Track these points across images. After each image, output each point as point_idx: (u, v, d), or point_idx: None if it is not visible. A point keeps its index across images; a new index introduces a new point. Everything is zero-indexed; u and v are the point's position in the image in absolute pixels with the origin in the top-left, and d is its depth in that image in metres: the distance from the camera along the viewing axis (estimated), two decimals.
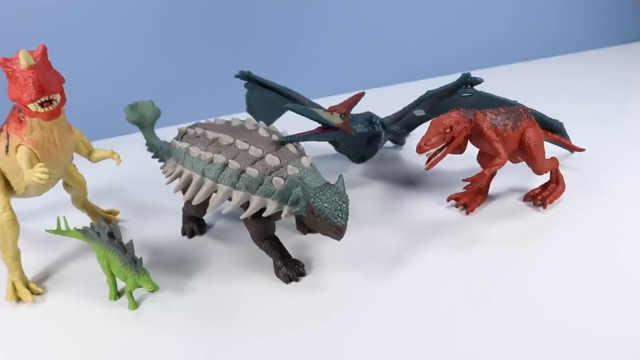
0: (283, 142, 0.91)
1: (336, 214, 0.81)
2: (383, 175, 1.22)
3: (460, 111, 0.92)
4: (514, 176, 1.12)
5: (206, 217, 1.12)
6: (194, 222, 1.08)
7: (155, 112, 1.14)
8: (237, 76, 1.21)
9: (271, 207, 0.86)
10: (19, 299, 0.97)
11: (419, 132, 1.25)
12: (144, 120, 1.13)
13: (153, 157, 1.11)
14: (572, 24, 2.08)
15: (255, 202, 0.87)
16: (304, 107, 0.94)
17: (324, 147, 1.33)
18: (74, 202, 1.15)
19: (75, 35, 1.64)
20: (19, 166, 0.92)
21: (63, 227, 1.06)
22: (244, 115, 1.62)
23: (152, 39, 1.72)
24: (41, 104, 0.79)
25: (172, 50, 1.75)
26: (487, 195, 1.04)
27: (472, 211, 1.01)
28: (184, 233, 1.08)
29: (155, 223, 1.15)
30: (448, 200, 1.04)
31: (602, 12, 2.11)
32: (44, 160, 0.89)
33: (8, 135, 0.91)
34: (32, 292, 0.97)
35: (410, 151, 1.32)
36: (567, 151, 1.18)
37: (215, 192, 0.92)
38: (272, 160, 0.87)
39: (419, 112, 1.11)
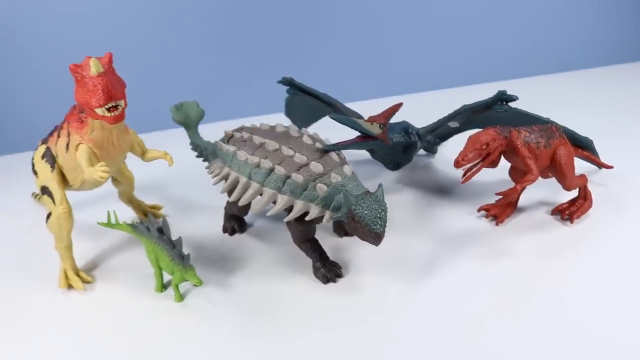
0: (326, 150, 0.96)
1: (376, 221, 0.86)
2: (416, 182, 1.27)
3: (497, 128, 0.96)
4: (543, 190, 1.15)
5: (246, 217, 1.17)
6: (236, 221, 1.13)
7: (199, 113, 1.20)
8: (280, 82, 1.26)
9: (314, 212, 0.92)
10: (70, 287, 1.04)
11: (450, 142, 1.30)
12: (189, 121, 1.18)
13: (197, 156, 1.17)
14: (603, 37, 2.10)
15: (299, 206, 0.92)
16: (347, 118, 0.99)
17: (360, 153, 1.38)
18: (120, 197, 1.22)
19: (123, 37, 1.71)
20: (77, 163, 0.98)
21: (113, 221, 1.12)
22: (279, 117, 1.67)
23: (197, 40, 1.80)
24: (108, 109, 0.86)
25: (215, 52, 1.83)
26: (516, 207, 1.08)
27: (501, 222, 1.05)
28: (225, 230, 1.14)
29: (196, 219, 1.21)
30: (478, 210, 1.09)
31: (634, 26, 2.12)
32: (103, 159, 0.95)
33: (69, 134, 0.97)
34: (83, 281, 1.04)
35: (441, 160, 1.36)
36: (595, 167, 1.21)
37: (261, 195, 0.98)
38: (316, 167, 0.92)
39: (453, 124, 1.15)
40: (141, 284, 1.02)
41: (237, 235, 1.13)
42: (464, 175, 0.95)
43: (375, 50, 1.92)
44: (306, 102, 1.26)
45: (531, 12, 1.98)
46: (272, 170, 0.95)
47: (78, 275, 1.04)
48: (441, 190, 1.22)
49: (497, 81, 1.97)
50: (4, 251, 1.21)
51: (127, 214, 1.24)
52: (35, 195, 1.38)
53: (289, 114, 1.34)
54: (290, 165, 0.94)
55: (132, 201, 1.22)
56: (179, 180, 1.43)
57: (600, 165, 1.18)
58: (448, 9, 1.91)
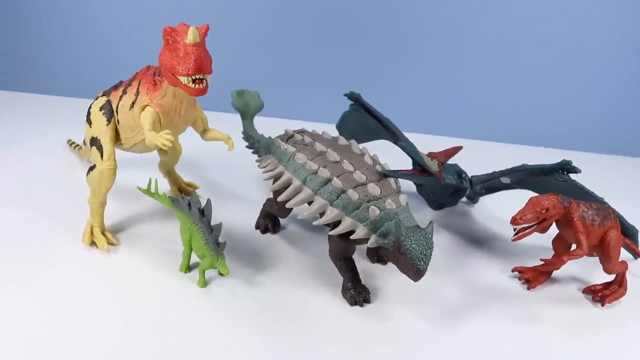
0: (386, 174, 0.96)
1: (421, 257, 0.85)
2: (453, 227, 1.26)
3: (559, 196, 0.95)
4: (578, 266, 1.14)
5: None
6: (271, 220, 1.12)
7: (259, 105, 1.18)
8: (346, 95, 1.25)
9: (360, 232, 0.90)
10: (93, 244, 1.02)
11: (492, 195, 1.29)
12: (247, 109, 1.17)
13: (247, 147, 1.15)
14: None
15: (347, 223, 0.91)
16: (414, 150, 0.98)
17: (407, 183, 1.37)
18: (160, 166, 1.20)
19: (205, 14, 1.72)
20: (137, 124, 0.97)
21: (153, 189, 1.10)
22: (326, 127, 1.66)
23: (272, 35, 1.83)
24: (193, 80, 0.84)
25: (285, 51, 1.85)
26: (549, 276, 1.07)
27: (533, 288, 1.04)
28: (257, 227, 1.13)
29: (231, 208, 1.19)
30: (513, 271, 1.07)
31: None
32: (165, 126, 0.94)
33: (138, 93, 0.96)
34: (107, 242, 1.02)
35: (480, 210, 1.35)
36: (631, 256, 1.21)
37: (311, 202, 0.96)
38: (373, 189, 0.91)
39: (505, 180, 1.14)
40: (165, 260, 1.01)
41: (268, 235, 1.12)
42: (516, 234, 0.95)
43: (446, 88, 1.92)
44: (365, 121, 1.26)
45: (604, 90, 1.99)
46: (329, 180, 0.94)
47: (104, 235, 1.03)
48: (476, 240, 1.21)
49: (556, 148, 1.97)
50: (33, 191, 1.20)
51: (161, 185, 1.22)
52: (70, 143, 1.36)
53: (340, 127, 1.33)
54: (348, 180, 0.93)
55: (170, 174, 1.20)
56: (221, 165, 1.41)
57: (639, 255, 1.17)
58: (534, 65, 1.92)
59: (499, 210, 1.35)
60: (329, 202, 0.93)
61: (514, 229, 0.95)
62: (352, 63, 1.87)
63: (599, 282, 1.08)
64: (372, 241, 0.90)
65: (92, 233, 1.02)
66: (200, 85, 0.85)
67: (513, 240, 0.94)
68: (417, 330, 0.90)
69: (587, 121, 1.99)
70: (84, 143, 1.21)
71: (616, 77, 1.92)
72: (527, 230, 0.94)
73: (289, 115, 1.76)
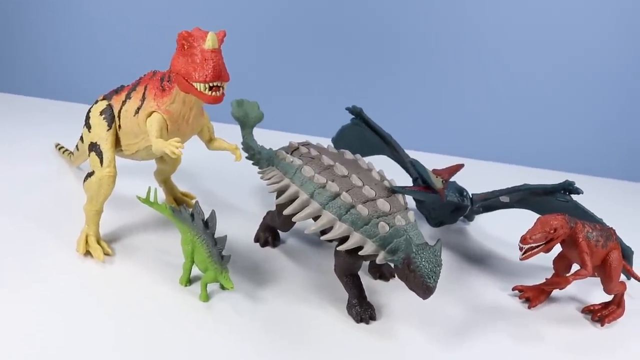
0: (395, 190, 0.95)
1: (431, 274, 0.84)
2: (450, 244, 1.25)
3: (565, 217, 0.96)
4: (576, 286, 1.15)
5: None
6: (270, 233, 1.10)
7: (259, 115, 1.17)
8: (348, 109, 1.24)
9: (369, 248, 0.89)
10: (87, 253, 0.98)
11: (487, 214, 1.29)
12: (246, 119, 1.15)
13: (247, 158, 1.13)
14: None
15: (355, 238, 0.89)
16: (423, 166, 0.98)
17: (407, 199, 1.36)
18: (156, 174, 1.17)
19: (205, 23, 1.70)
20: (142, 130, 0.94)
21: (152, 199, 1.07)
22: (321, 140, 1.66)
23: (274, 46, 1.81)
24: (210, 87, 0.82)
25: (285, 62, 1.83)
26: (549, 296, 1.08)
27: (534, 307, 1.04)
28: (257, 240, 1.10)
29: (228, 221, 1.16)
30: (513, 289, 1.07)
31: None
32: (172, 134, 0.91)
33: (144, 98, 0.93)
34: (103, 251, 0.99)
35: (476, 229, 1.35)
36: (625, 277, 1.22)
37: (317, 217, 0.95)
38: (383, 205, 0.90)
39: (505, 199, 1.14)
40: (163, 272, 0.98)
41: (267, 248, 1.10)
42: (524, 252, 0.95)
43: (446, 106, 1.93)
44: (364, 136, 1.25)
45: (610, 118, 2.03)
46: (337, 195, 0.92)
47: (99, 244, 0.99)
48: (474, 258, 1.21)
49: (548, 169, 1.99)
50: (22, 196, 1.15)
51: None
52: (59, 148, 1.32)
53: (337, 140, 1.32)
54: (357, 195, 0.92)
55: (166, 182, 1.17)
56: (217, 175, 1.39)
57: (633, 276, 1.19)
58: (535, 86, 1.94)
59: (494, 229, 1.35)
60: (338, 217, 0.91)
61: (521, 248, 0.95)
62: (349, 77, 1.87)
63: (596, 302, 1.09)
64: (381, 257, 0.88)
65: (87, 242, 0.98)
66: (217, 93, 0.82)
67: (521, 259, 0.94)
68: (422, 349, 0.89)
69: (581, 144, 2.02)
70: (77, 148, 1.17)
71: (617, 103, 1.97)
72: (535, 250, 0.94)
73: (282, 127, 1.74)
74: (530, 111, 1.99)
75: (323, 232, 0.98)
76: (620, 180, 2.03)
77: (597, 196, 1.79)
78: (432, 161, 1.48)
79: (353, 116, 1.26)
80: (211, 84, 0.81)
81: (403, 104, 1.92)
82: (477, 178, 1.36)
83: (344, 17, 1.82)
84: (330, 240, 1.06)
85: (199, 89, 0.82)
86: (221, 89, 0.83)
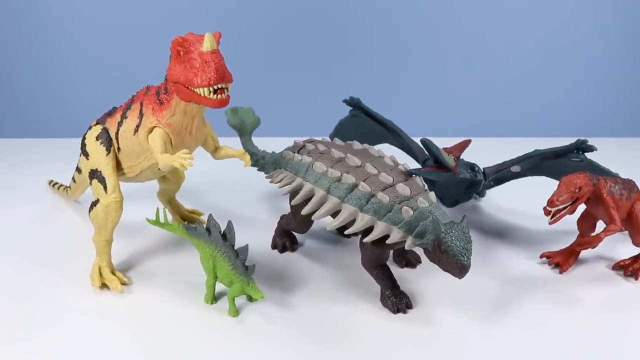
0: (412, 173, 0.92)
1: (464, 252, 0.81)
2: (469, 222, 1.23)
3: (587, 174, 0.95)
4: (600, 245, 1.13)
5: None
6: (288, 238, 1.07)
7: (255, 120, 1.14)
8: (345, 101, 1.22)
9: (396, 236, 0.86)
10: (103, 286, 0.94)
11: (498, 187, 1.28)
12: (243, 126, 1.13)
13: (252, 165, 1.09)
14: None
15: (380, 227, 0.87)
16: (435, 145, 0.95)
17: None
18: (160, 195, 1.13)
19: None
20: (142, 148, 0.90)
21: (162, 220, 1.03)
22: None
23: (256, 53, 1.77)
24: (214, 91, 0.78)
25: (269, 68, 1.80)
26: (578, 257, 1.06)
27: (565, 271, 1.02)
28: (274, 246, 1.07)
29: (241, 232, 1.10)
30: (541, 257, 1.06)
31: None
32: (177, 147, 0.87)
33: (142, 115, 0.89)
34: (120, 281, 0.94)
35: (488, 204, 1.34)
36: None
37: (337, 212, 0.92)
38: (403, 189, 0.87)
39: (515, 169, 1.13)
40: (186, 293, 0.93)
41: (287, 253, 1.06)
42: (552, 216, 0.93)
43: (442, 87, 1.94)
44: (365, 126, 1.22)
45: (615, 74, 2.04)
46: (355, 186, 0.89)
47: (114, 275, 0.95)
48: (493, 233, 1.19)
49: (551, 137, 1.98)
50: (20, 240, 1.10)
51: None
52: (53, 184, 1.27)
53: (335, 136, 1.29)
54: (375, 183, 0.89)
55: (171, 202, 1.13)
56: (221, 188, 1.36)
57: None
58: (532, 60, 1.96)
59: (507, 201, 1.34)
60: (359, 208, 0.88)
61: (548, 212, 0.93)
62: (337, 75, 1.86)
63: (625, 257, 1.08)
64: (409, 243, 0.85)
65: (101, 274, 0.94)
66: (222, 95, 0.78)
67: (551, 223, 0.92)
68: (466, 329, 0.86)
69: (575, 107, 2.04)
70: (73, 181, 1.13)
71: (602, 64, 1.99)
72: (563, 212, 0.92)
73: (275, 133, 1.70)
74: (520, 82, 1.99)
75: (343, 228, 0.95)
76: (616, 138, 2.06)
77: (599, 155, 1.82)
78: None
79: (351, 108, 1.24)
80: (215, 87, 0.77)
81: (395, 94, 1.91)
82: (480, 155, 1.34)
83: (326, 17, 1.81)
84: (349, 236, 1.03)
85: (202, 94, 0.78)
86: (226, 90, 0.79)
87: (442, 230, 0.82)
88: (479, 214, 1.28)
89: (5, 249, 1.07)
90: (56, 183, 1.26)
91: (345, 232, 0.90)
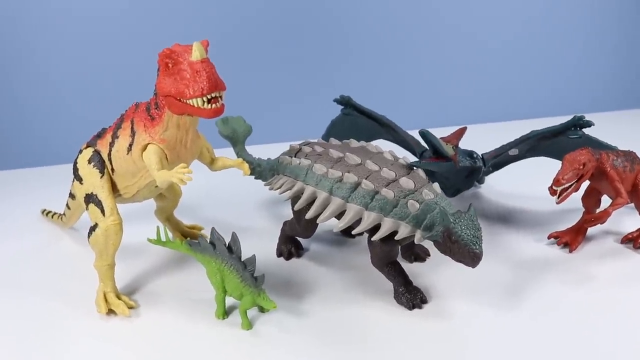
0: (414, 166, 0.91)
1: (474, 240, 0.80)
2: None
3: (589, 150, 0.94)
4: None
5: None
6: (292, 244, 1.05)
7: (247, 129, 1.12)
8: (335, 100, 1.21)
9: (404, 231, 0.84)
10: (110, 312, 0.91)
11: (497, 172, 1.28)
12: (236, 136, 1.11)
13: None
14: None
15: (388, 224, 0.85)
16: (433, 135, 0.94)
17: None
18: (158, 214, 1.11)
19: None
20: (137, 167, 0.88)
21: (163, 238, 1.00)
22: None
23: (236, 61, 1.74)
24: (208, 100, 0.76)
25: (253, 76, 1.78)
26: (585, 234, 1.05)
27: (574, 249, 1.02)
28: (280, 254, 1.05)
29: (244, 243, 1.08)
30: (549, 237, 1.05)
31: None
32: (173, 163, 0.85)
33: (133, 133, 0.86)
34: (126, 305, 0.92)
35: (488, 190, 1.33)
36: None
37: (342, 212, 0.90)
38: (407, 183, 0.86)
39: (513, 152, 1.12)
40: (196, 310, 0.91)
41: (293, 260, 1.04)
42: (559, 195, 0.92)
43: (432, 77, 1.93)
44: (358, 124, 1.21)
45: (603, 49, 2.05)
46: (358, 184, 0.88)
47: (120, 299, 0.92)
48: (499, 219, 1.18)
49: (546, 117, 1.98)
50: (19, 273, 1.06)
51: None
52: (46, 213, 1.24)
53: (328, 136, 1.28)
54: (377, 180, 0.87)
55: (170, 219, 1.11)
56: (218, 200, 1.33)
57: None
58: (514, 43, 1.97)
59: (506, 186, 1.33)
60: (365, 207, 0.87)
61: (554, 192, 0.93)
62: (328, 76, 1.84)
63: (632, 230, 1.08)
64: (419, 237, 0.84)
65: (106, 300, 0.91)
66: (217, 104, 0.76)
67: (558, 202, 0.91)
68: (484, 318, 0.85)
69: (565, 84, 2.06)
70: (67, 207, 1.10)
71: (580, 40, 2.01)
72: (569, 190, 0.92)
73: (266, 140, 1.69)
74: (509, 65, 2.00)
75: (348, 229, 0.94)
76: (610, 112, 2.06)
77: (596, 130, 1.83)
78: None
79: (342, 107, 1.22)
80: (209, 96, 0.75)
81: (385, 88, 1.90)
82: (477, 141, 1.34)
83: (305, 19, 1.80)
84: (354, 236, 1.02)
85: (196, 105, 0.76)
86: (220, 99, 0.77)
87: (451, 220, 0.81)
88: (481, 201, 1.28)
89: (5, 283, 1.04)
90: (49, 212, 1.24)
91: (353, 232, 0.88)
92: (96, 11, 1.68)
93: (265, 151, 1.26)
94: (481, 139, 1.31)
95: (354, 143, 0.98)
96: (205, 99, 0.75)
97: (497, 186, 1.33)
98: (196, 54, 0.75)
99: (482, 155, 1.13)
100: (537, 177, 1.17)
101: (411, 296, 0.88)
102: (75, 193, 0.96)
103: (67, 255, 1.13)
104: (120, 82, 1.71)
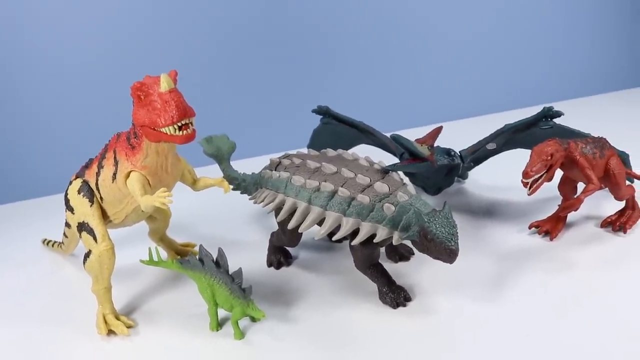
0: (388, 170, 0.94)
1: (449, 237, 0.83)
2: (454, 206, 1.25)
3: (557, 140, 0.97)
4: (585, 205, 1.15)
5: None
6: (281, 253, 1.08)
7: (231, 145, 1.16)
8: (314, 111, 1.24)
9: (382, 233, 0.88)
10: (110, 332, 0.95)
11: (479, 166, 1.31)
12: (220, 153, 1.14)
13: (234, 189, 1.12)
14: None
15: (366, 228, 0.88)
16: (405, 138, 0.97)
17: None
18: (151, 235, 1.14)
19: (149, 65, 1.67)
20: (123, 194, 0.92)
21: (155, 258, 1.04)
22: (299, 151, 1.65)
23: (211, 77, 1.78)
24: (179, 127, 0.80)
25: (229, 91, 1.81)
26: (565, 222, 1.08)
27: (555, 237, 1.04)
28: (270, 264, 1.08)
29: (235, 256, 1.14)
30: (530, 227, 1.08)
31: None
32: (155, 187, 0.89)
33: (116, 163, 0.91)
34: (125, 325, 0.96)
35: (472, 184, 1.36)
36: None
37: (322, 220, 0.93)
38: (381, 187, 0.89)
39: (491, 146, 1.15)
40: (191, 325, 0.95)
41: (283, 269, 1.08)
42: (530, 187, 0.95)
43: (404, 79, 1.96)
44: (338, 131, 1.25)
45: (574, 37, 2.09)
46: (334, 192, 0.91)
47: (119, 320, 0.96)
48: (483, 212, 1.21)
49: (521, 108, 2.02)
50: (24, 303, 1.10)
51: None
52: (47, 242, 1.28)
53: (313, 145, 1.32)
54: (353, 186, 0.91)
55: (163, 240, 1.14)
56: (209, 217, 1.37)
57: (635, 177, 1.20)
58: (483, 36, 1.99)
59: (488, 179, 1.36)
60: (342, 213, 0.90)
61: (525, 184, 0.95)
62: (305, 87, 1.87)
63: (610, 214, 1.11)
64: (396, 238, 0.87)
65: (105, 322, 0.95)
66: (187, 130, 0.81)
67: (529, 194, 0.94)
68: (469, 312, 0.88)
69: (538, 75, 2.08)
70: (65, 236, 1.14)
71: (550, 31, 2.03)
72: (540, 181, 0.94)
73: (251, 154, 1.72)
74: (479, 60, 2.02)
75: (332, 234, 0.97)
76: (584, 98, 2.09)
77: (569, 118, 1.84)
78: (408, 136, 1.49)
79: (321, 116, 1.26)
80: (180, 124, 0.80)
81: (361, 94, 1.93)
82: (454, 138, 1.37)
83: (278, 33, 1.82)
84: (341, 240, 1.05)
85: (169, 133, 0.81)
86: (191, 125, 0.82)
87: (425, 220, 0.84)
88: (465, 196, 1.31)
89: (12, 314, 1.08)
90: (50, 241, 1.28)
91: (333, 239, 0.92)
92: (83, 51, 1.72)
93: (252, 165, 1.30)
94: (459, 135, 1.35)
95: (330, 152, 1.01)
96: (176, 126, 0.80)
97: (480, 180, 1.36)
98: (164, 85, 0.79)
99: (460, 152, 1.16)
100: (519, 168, 1.18)
101: (395, 295, 0.91)
102: (69, 222, 1.01)
103: (70, 281, 1.17)
104: (107, 114, 1.73)
